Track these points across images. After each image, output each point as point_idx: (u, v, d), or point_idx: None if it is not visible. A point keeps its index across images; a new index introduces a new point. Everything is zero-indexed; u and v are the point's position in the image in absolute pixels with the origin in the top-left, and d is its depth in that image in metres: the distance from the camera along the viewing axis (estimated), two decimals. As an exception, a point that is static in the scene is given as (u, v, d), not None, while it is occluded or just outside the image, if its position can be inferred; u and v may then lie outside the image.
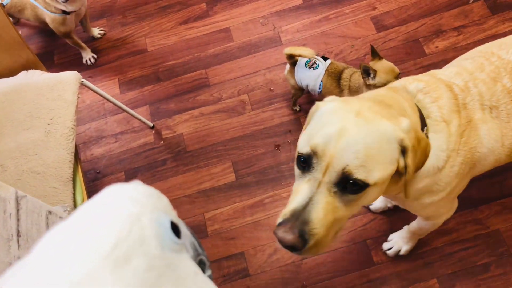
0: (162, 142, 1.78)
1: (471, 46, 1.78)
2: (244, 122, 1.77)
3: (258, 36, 1.96)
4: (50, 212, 0.84)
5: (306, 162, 0.73)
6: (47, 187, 1.11)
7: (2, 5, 1.78)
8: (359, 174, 0.68)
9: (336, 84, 1.52)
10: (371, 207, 1.51)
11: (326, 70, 1.52)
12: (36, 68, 1.44)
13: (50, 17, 1.80)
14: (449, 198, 0.95)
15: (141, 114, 1.79)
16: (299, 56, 1.53)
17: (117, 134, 1.82)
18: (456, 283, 1.38)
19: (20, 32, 1.49)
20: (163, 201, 0.43)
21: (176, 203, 1.64)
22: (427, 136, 0.83)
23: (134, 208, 0.37)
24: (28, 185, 1.11)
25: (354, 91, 1.49)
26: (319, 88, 1.54)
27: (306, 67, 1.53)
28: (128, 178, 1.73)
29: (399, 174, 0.75)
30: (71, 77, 1.34)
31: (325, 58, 1.55)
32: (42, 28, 2.12)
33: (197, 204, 1.63)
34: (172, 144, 1.77)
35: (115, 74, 1.98)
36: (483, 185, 1.50)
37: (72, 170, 1.16)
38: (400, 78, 1.43)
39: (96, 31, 2.07)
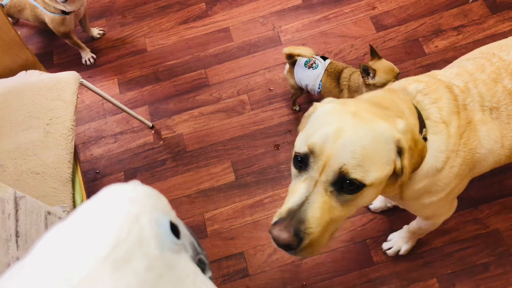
0: (162, 142, 1.78)
1: (470, 46, 1.78)
2: (243, 122, 1.77)
3: (257, 36, 1.96)
4: (49, 213, 0.84)
5: (303, 162, 0.73)
6: (46, 188, 1.11)
7: (1, 6, 1.78)
8: (355, 174, 0.68)
9: (335, 83, 1.52)
10: (371, 206, 1.51)
11: (325, 70, 1.52)
12: (35, 68, 1.44)
13: (49, 17, 1.80)
14: (448, 198, 0.95)
15: (141, 114, 1.79)
16: (298, 55, 1.52)
17: (116, 134, 1.82)
18: (456, 283, 1.38)
19: (19, 32, 1.49)
20: (162, 201, 0.43)
21: (175, 203, 1.64)
22: (426, 138, 0.83)
23: (133, 208, 0.37)
24: (27, 186, 1.11)
25: (353, 91, 1.49)
26: (319, 88, 1.54)
27: (306, 66, 1.53)
28: (127, 178, 1.73)
29: (395, 175, 0.75)
30: (70, 77, 1.34)
31: (324, 58, 1.55)
32: (42, 28, 2.12)
33: (197, 204, 1.63)
34: (172, 144, 1.77)
35: (114, 74, 1.98)
36: (482, 184, 1.50)
37: (71, 170, 1.16)
38: (400, 77, 1.43)
39: (96, 31, 2.07)
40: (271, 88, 1.82)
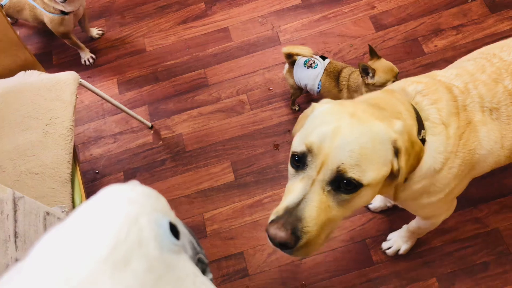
0: (161, 142, 1.78)
1: (470, 45, 1.78)
2: (243, 121, 1.77)
3: (256, 35, 1.96)
4: (48, 213, 0.84)
5: (300, 161, 0.74)
6: (45, 188, 1.11)
7: (0, 6, 1.78)
8: (353, 173, 0.69)
9: (335, 83, 1.52)
10: (370, 206, 1.51)
11: (324, 70, 1.51)
12: (34, 68, 1.44)
13: (48, 18, 1.80)
14: (447, 199, 0.95)
15: (140, 114, 1.79)
16: (297, 55, 1.52)
17: (116, 135, 1.82)
18: (455, 282, 1.38)
19: (18, 33, 1.48)
20: (162, 202, 0.43)
21: (175, 203, 1.64)
22: (424, 139, 0.83)
23: (132, 209, 0.37)
24: (26, 186, 1.11)
25: (353, 91, 1.49)
26: (318, 88, 1.54)
27: (305, 66, 1.53)
28: (127, 178, 1.73)
29: (392, 176, 0.75)
30: (69, 77, 1.34)
31: (323, 58, 1.55)
32: (41, 29, 2.12)
33: (196, 204, 1.63)
34: (171, 144, 1.77)
35: (113, 74, 1.98)
36: (482, 183, 1.50)
37: (71, 170, 1.16)
38: (399, 77, 1.43)
39: (95, 31, 2.07)
40: (271, 88, 1.82)
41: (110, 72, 1.99)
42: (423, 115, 0.85)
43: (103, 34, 2.09)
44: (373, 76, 1.38)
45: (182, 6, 2.10)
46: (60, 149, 1.18)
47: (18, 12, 1.90)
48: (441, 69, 1.03)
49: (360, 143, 0.69)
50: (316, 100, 0.86)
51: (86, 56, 2.00)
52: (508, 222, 1.44)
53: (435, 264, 1.41)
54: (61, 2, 1.69)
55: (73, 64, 2.03)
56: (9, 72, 1.41)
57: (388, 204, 1.48)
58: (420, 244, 1.43)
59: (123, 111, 1.67)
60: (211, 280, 0.48)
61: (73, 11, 1.79)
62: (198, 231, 1.57)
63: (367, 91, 1.42)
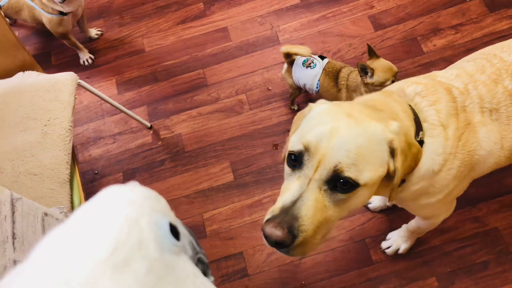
0: (160, 142, 1.78)
1: (468, 44, 1.78)
2: (242, 121, 1.77)
3: (255, 35, 1.96)
4: (46, 214, 0.84)
5: (296, 160, 0.74)
6: (44, 189, 1.11)
7: (-1, 6, 1.78)
8: (350, 173, 0.69)
9: (333, 83, 1.52)
10: (370, 206, 1.51)
11: (323, 69, 1.51)
12: (32, 69, 1.44)
13: (47, 18, 1.80)
14: (447, 200, 0.95)
15: (139, 115, 1.78)
16: (296, 54, 1.52)
17: (115, 135, 1.82)
18: (455, 281, 1.38)
19: (17, 33, 1.49)
20: (161, 203, 0.43)
21: (174, 203, 1.64)
22: (422, 140, 0.83)
23: (132, 210, 0.37)
24: (25, 187, 1.11)
25: (352, 90, 1.49)
26: (317, 87, 1.54)
27: (304, 66, 1.53)
28: (126, 178, 1.72)
29: (389, 177, 0.75)
30: (68, 78, 1.34)
31: (322, 57, 1.54)
32: (39, 29, 2.12)
33: (196, 205, 1.63)
34: (170, 144, 1.77)
35: (112, 75, 1.97)
36: (481, 183, 1.50)
37: (69, 171, 1.16)
38: (398, 76, 1.43)
39: (94, 32, 2.07)
40: (270, 88, 1.82)
41: (109, 72, 1.99)
42: (421, 117, 0.85)
43: (102, 34, 2.09)
44: (372, 75, 1.38)
45: (181, 6, 2.10)
46: (59, 150, 1.18)
47: (16, 13, 1.90)
48: (440, 68, 1.03)
49: (357, 143, 0.69)
50: (315, 99, 0.86)
51: (85, 56, 2.00)
52: (507, 221, 1.44)
53: (435, 263, 1.41)
54: (60, 2, 1.69)
55: (72, 64, 2.03)
56: (8, 73, 1.41)
57: (388, 204, 1.48)
58: (419, 243, 1.43)
59: (122, 111, 1.67)
60: (213, 282, 0.48)
61: (71, 12, 1.79)
62: (197, 231, 1.57)
63: (366, 91, 1.42)
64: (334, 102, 0.82)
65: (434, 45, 1.80)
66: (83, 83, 1.40)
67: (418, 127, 0.83)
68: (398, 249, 1.41)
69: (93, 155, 1.79)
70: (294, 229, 0.69)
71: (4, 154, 1.17)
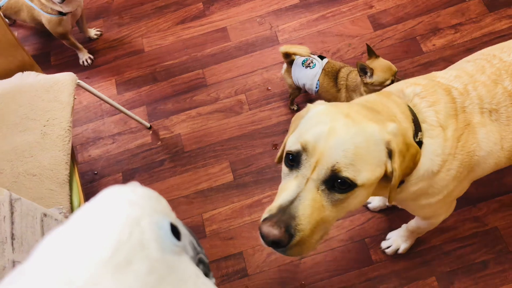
0: (160, 142, 1.78)
1: (468, 44, 1.78)
2: (241, 122, 1.77)
3: (255, 35, 1.96)
4: (45, 215, 0.84)
5: (294, 160, 0.74)
6: (43, 189, 1.11)
7: (-2, 7, 1.78)
8: (347, 173, 0.69)
9: (333, 83, 1.52)
10: (370, 205, 1.51)
11: (323, 69, 1.51)
12: (31, 69, 1.44)
13: (46, 18, 1.80)
14: (446, 200, 0.95)
15: (138, 115, 1.78)
16: (295, 54, 1.52)
17: (114, 135, 1.82)
18: (455, 281, 1.38)
19: (16, 34, 1.49)
20: (162, 203, 0.43)
21: (174, 203, 1.64)
22: (421, 141, 0.83)
23: (133, 211, 0.37)
24: (24, 187, 1.11)
25: (351, 90, 1.49)
26: (316, 87, 1.54)
27: (303, 66, 1.53)
28: (125, 179, 1.72)
29: (387, 178, 0.75)
30: (67, 78, 1.33)
31: (322, 57, 1.54)
32: (39, 29, 2.11)
33: (195, 205, 1.63)
34: (170, 144, 1.77)
35: (112, 75, 1.97)
36: (481, 182, 1.50)
37: (69, 171, 1.16)
38: (397, 76, 1.43)
39: (93, 32, 2.07)
40: (269, 88, 1.82)
41: (108, 72, 1.98)
42: (420, 118, 0.85)
43: (101, 34, 2.09)
44: (372, 75, 1.38)
45: (180, 6, 2.10)
46: (58, 150, 1.18)
47: (15, 13, 1.90)
48: (439, 68, 1.03)
49: (355, 143, 0.69)
50: (315, 99, 0.86)
51: (84, 56, 2.00)
52: (507, 221, 1.44)
53: (434, 263, 1.41)
54: (59, 2, 1.69)
55: (71, 65, 2.03)
56: (7, 73, 1.41)
57: (387, 204, 1.48)
58: (419, 243, 1.43)
59: (121, 111, 1.67)
60: (214, 283, 0.48)
61: (70, 12, 1.79)
62: (197, 231, 1.57)
63: (365, 91, 1.42)
64: (332, 103, 0.82)
65: (434, 45, 1.80)
66: (82, 83, 1.40)
67: (417, 128, 0.83)
68: (398, 249, 1.41)
69: (92, 156, 1.78)
70: (291, 228, 0.69)
71: (3, 154, 1.17)
